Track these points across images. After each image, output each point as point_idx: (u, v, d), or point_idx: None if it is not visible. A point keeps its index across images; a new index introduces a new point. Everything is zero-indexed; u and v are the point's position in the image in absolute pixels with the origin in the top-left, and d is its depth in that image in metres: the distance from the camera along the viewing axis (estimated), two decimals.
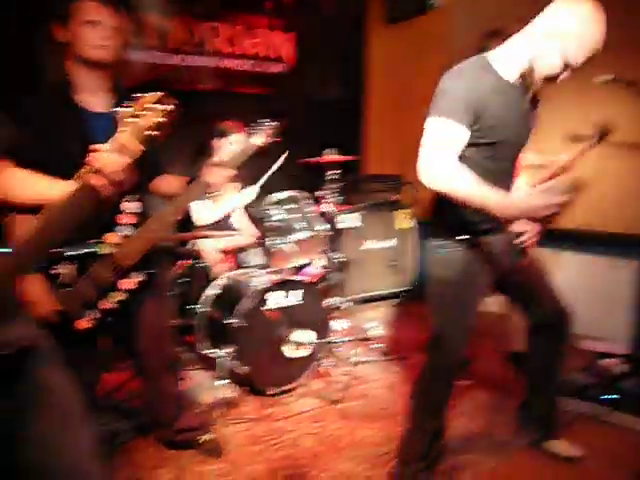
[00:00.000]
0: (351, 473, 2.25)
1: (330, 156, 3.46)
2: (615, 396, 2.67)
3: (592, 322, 3.28)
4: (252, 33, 4.59)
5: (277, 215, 3.18)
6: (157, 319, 2.22)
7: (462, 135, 1.78)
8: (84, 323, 1.84)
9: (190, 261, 3.33)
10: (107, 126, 1.92)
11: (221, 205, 3.48)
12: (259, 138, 2.25)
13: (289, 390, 2.97)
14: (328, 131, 4.45)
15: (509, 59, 1.83)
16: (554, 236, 2.81)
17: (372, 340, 3.57)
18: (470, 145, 1.82)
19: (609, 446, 2.40)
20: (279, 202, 3.22)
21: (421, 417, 2.09)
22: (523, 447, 2.39)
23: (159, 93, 1.32)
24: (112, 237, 1.88)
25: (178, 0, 4.17)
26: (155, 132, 1.29)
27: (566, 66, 1.75)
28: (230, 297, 3.00)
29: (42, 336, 1.22)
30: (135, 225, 1.96)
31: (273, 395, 2.91)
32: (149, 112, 1.27)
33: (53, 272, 1.77)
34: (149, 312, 2.16)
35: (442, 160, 1.75)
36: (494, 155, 1.87)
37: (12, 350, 1.08)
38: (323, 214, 3.49)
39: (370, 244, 4.41)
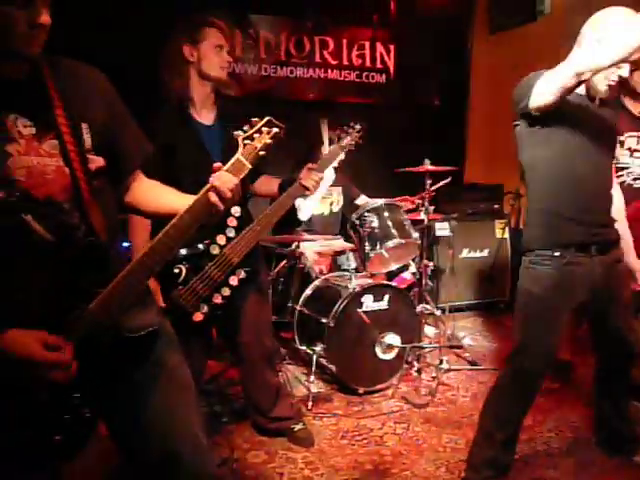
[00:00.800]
0: (430, 475, 2.34)
1: (429, 166, 3.53)
2: None
3: None
4: (357, 45, 4.75)
5: (374, 221, 3.31)
6: (258, 313, 2.43)
7: None
8: (199, 316, 2.06)
9: (290, 262, 3.55)
10: (215, 137, 2.19)
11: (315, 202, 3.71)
12: (346, 141, 2.44)
13: (378, 390, 3.10)
14: (429, 140, 4.54)
15: None
16: None
17: (462, 349, 3.62)
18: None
19: None
20: (376, 209, 3.35)
21: (491, 426, 2.13)
22: (608, 466, 2.35)
23: (269, 117, 1.45)
24: (221, 239, 2.11)
25: (289, 16, 4.43)
26: (264, 152, 1.43)
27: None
28: (327, 298, 3.18)
29: (166, 323, 1.46)
30: (236, 227, 2.15)
31: (362, 394, 3.05)
32: (261, 134, 1.42)
33: (173, 271, 2.03)
34: (251, 306, 2.38)
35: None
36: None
37: (144, 332, 1.32)
38: (419, 222, 3.57)
39: (467, 253, 4.42)
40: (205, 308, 2.07)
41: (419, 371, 3.29)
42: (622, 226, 2.18)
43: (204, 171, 1.41)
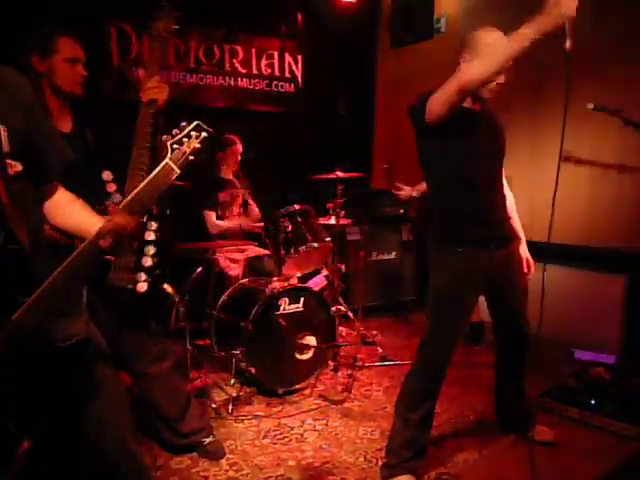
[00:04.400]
0: (350, 465, 2.47)
1: (340, 172, 3.69)
2: (597, 401, 2.85)
3: (583, 333, 3.50)
4: (266, 55, 4.85)
5: (288, 226, 3.41)
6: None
7: None
8: (142, 286, 2.02)
9: (206, 268, 3.57)
10: (76, 145, 2.05)
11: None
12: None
13: (297, 390, 3.20)
14: (338, 148, 4.72)
15: None
16: (547, 251, 3.02)
17: (373, 346, 3.80)
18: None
19: (589, 445, 2.59)
20: (290, 214, 3.45)
21: (405, 410, 2.30)
22: (507, 439, 2.62)
23: (198, 122, 1.45)
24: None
25: (199, 24, 4.43)
26: (193, 157, 1.43)
27: None
28: (244, 302, 3.23)
29: (96, 333, 1.46)
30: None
31: (282, 394, 3.13)
32: (190, 139, 1.42)
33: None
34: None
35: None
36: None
37: (73, 341, 1.32)
38: (331, 226, 3.72)
39: (375, 255, 4.64)
40: (142, 276, 2.04)
41: (335, 369, 3.43)
42: (515, 221, 2.46)
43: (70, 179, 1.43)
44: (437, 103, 2.00)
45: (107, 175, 2.11)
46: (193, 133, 1.43)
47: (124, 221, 1.36)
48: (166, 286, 2.22)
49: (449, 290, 2.22)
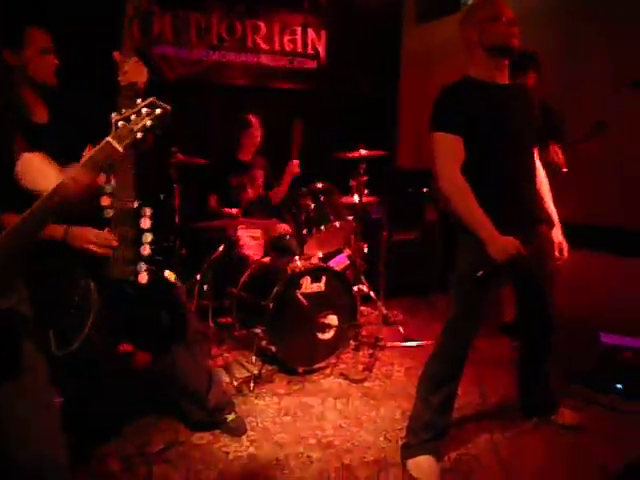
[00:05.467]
0: (370, 444, 2.47)
1: (363, 150, 3.64)
2: (624, 386, 2.80)
3: (610, 316, 3.42)
4: (289, 30, 4.77)
5: (310, 205, 3.39)
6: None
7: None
8: (144, 277, 1.99)
9: (227, 247, 3.57)
10: (51, 134, 2.06)
11: None
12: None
13: (318, 369, 3.20)
14: (362, 126, 4.65)
15: None
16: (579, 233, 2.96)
17: (395, 326, 3.78)
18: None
19: (615, 430, 2.55)
20: (312, 192, 3.42)
21: (427, 391, 2.29)
22: (529, 422, 2.60)
23: (153, 98, 1.38)
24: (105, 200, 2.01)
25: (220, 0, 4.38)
26: (142, 135, 1.35)
27: None
28: (265, 281, 3.23)
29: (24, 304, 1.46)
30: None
31: (302, 373, 3.14)
32: (140, 116, 1.34)
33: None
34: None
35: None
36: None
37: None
38: (353, 205, 3.68)
39: (398, 235, 4.59)
40: (143, 266, 2.00)
41: (356, 348, 3.43)
42: (549, 204, 2.39)
43: None
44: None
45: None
46: (144, 110, 1.36)
47: (72, 183, 1.32)
48: (167, 273, 2.18)
49: (473, 271, 2.14)
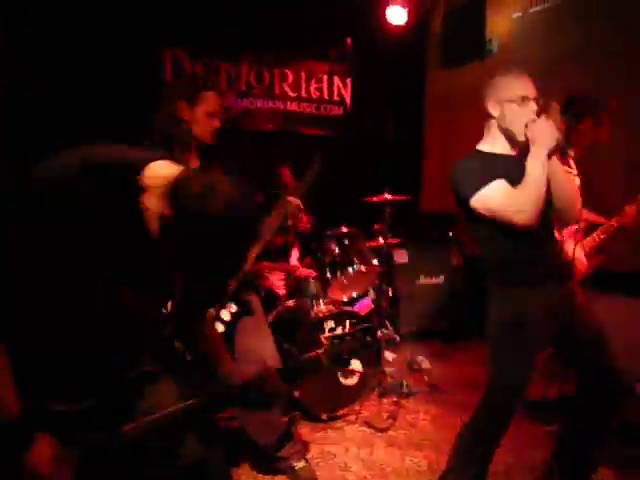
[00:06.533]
0: None
1: (388, 194, 3.66)
2: None
3: None
4: (315, 78, 4.90)
5: (335, 248, 3.39)
6: (257, 343, 2.41)
7: None
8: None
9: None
10: None
11: None
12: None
13: (341, 416, 3.13)
14: (387, 170, 4.68)
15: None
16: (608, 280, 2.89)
17: (421, 373, 3.70)
18: None
19: None
20: (336, 236, 3.43)
21: (466, 460, 2.12)
22: None
23: None
24: None
25: (250, 49, 4.53)
26: None
27: None
28: (289, 324, 3.21)
29: None
30: None
31: (325, 420, 3.07)
32: None
33: None
34: (251, 339, 2.39)
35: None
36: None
37: None
38: (378, 249, 3.67)
39: (423, 279, 4.55)
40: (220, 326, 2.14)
41: (381, 395, 3.35)
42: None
43: None
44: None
45: None
46: None
47: None
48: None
49: (519, 329, 2.00)
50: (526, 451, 2.73)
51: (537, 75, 2.16)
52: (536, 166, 1.90)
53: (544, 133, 1.90)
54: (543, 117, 1.92)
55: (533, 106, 1.96)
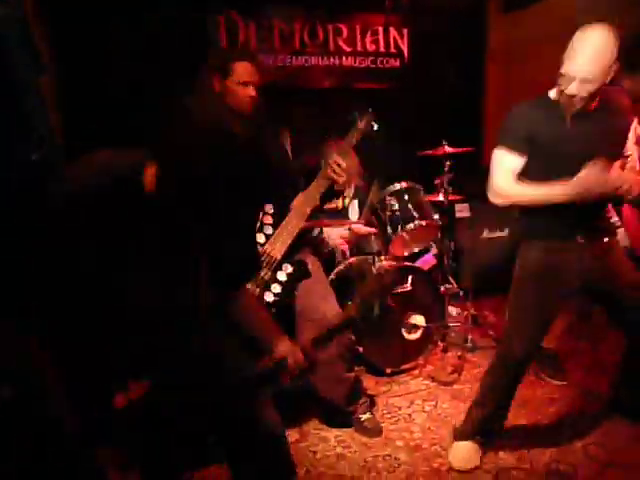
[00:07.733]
0: None
1: (447, 147, 3.57)
2: None
3: None
4: (370, 31, 4.76)
5: (394, 204, 3.36)
6: (317, 305, 2.40)
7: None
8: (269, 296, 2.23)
9: (313, 247, 3.61)
10: None
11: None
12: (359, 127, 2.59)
13: (405, 370, 3.18)
14: (446, 123, 4.55)
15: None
16: None
17: (485, 327, 3.67)
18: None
19: None
20: (396, 192, 3.40)
21: (476, 401, 2.34)
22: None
23: None
24: (259, 237, 2.25)
25: (302, 5, 4.45)
26: None
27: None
28: (351, 282, 3.25)
29: None
30: (272, 224, 2.29)
31: (389, 374, 3.13)
32: None
33: None
34: (307, 299, 2.40)
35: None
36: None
37: None
38: (439, 204, 3.62)
39: (487, 233, 4.45)
40: (277, 287, 2.20)
41: (445, 350, 3.36)
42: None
43: None
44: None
45: (268, 207, 2.32)
46: None
47: None
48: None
49: (529, 285, 2.14)
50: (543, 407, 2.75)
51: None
52: (556, 194, 1.91)
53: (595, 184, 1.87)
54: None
55: None
